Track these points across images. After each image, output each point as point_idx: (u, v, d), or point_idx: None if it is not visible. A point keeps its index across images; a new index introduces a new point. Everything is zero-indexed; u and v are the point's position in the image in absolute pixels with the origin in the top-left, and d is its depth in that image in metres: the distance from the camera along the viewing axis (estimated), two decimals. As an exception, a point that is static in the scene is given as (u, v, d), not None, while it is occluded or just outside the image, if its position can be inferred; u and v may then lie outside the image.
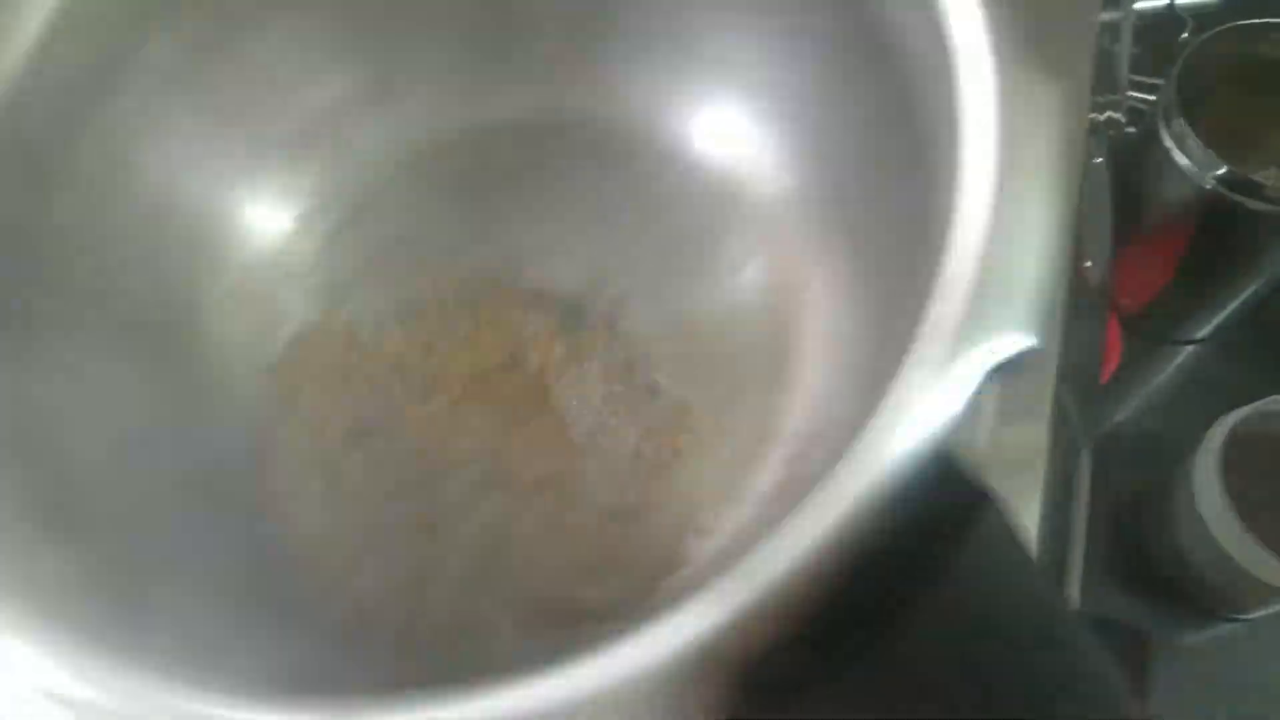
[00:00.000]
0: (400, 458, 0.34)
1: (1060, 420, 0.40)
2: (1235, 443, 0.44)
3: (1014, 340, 0.17)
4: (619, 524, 0.33)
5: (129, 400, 0.31)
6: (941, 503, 0.18)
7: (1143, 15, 0.60)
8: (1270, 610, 0.46)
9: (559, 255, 0.36)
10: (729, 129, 0.36)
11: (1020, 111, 0.18)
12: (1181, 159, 0.44)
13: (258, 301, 0.35)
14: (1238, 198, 0.43)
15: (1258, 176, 0.44)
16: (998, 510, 0.19)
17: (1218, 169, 0.43)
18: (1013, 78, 0.19)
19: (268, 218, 0.36)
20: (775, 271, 0.35)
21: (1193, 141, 0.43)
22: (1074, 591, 0.42)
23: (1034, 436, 0.37)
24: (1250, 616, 0.48)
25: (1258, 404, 0.43)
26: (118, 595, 0.25)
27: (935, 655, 0.18)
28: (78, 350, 0.30)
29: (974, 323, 0.17)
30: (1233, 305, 0.52)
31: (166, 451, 0.31)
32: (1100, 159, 0.47)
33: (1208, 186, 0.44)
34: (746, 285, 0.35)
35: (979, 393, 0.17)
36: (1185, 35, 0.58)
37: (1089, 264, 0.43)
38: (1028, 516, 0.35)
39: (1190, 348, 0.56)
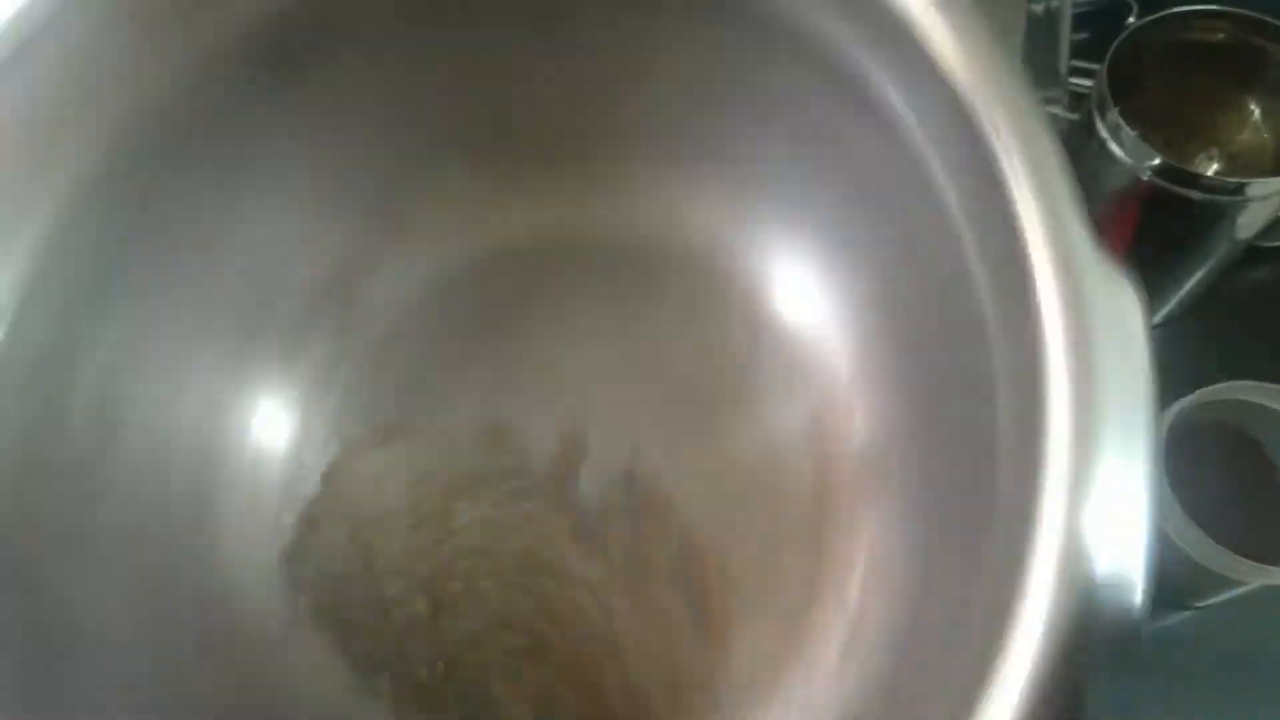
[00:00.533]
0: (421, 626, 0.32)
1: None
2: (1180, 432, 0.44)
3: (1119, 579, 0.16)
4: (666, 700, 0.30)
5: (145, 622, 0.29)
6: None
7: (1091, 0, 0.60)
8: (1222, 598, 0.46)
9: (589, 397, 0.33)
10: (777, 260, 0.32)
11: (1101, 339, 0.17)
12: (1117, 150, 0.44)
13: (271, 484, 0.33)
14: (1175, 188, 0.43)
15: (1194, 166, 0.44)
16: None
17: (1153, 160, 0.43)
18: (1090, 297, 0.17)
19: (273, 408, 0.34)
20: (825, 418, 0.32)
21: (1126, 133, 0.43)
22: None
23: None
24: (1203, 604, 0.48)
25: (1202, 392, 0.43)
26: None
27: None
28: (98, 582, 0.29)
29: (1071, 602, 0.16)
30: (1183, 291, 0.51)
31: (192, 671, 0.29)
32: (1039, 152, 0.47)
33: (1144, 178, 0.43)
34: (793, 428, 0.32)
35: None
36: (1131, 20, 0.57)
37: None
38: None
39: (1146, 333, 0.55)
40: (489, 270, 0.34)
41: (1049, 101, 0.48)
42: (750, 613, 0.31)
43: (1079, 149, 0.48)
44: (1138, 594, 0.16)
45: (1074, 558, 0.16)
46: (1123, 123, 0.43)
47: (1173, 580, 0.46)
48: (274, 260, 0.32)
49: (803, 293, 0.32)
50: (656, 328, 0.34)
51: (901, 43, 0.20)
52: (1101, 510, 0.17)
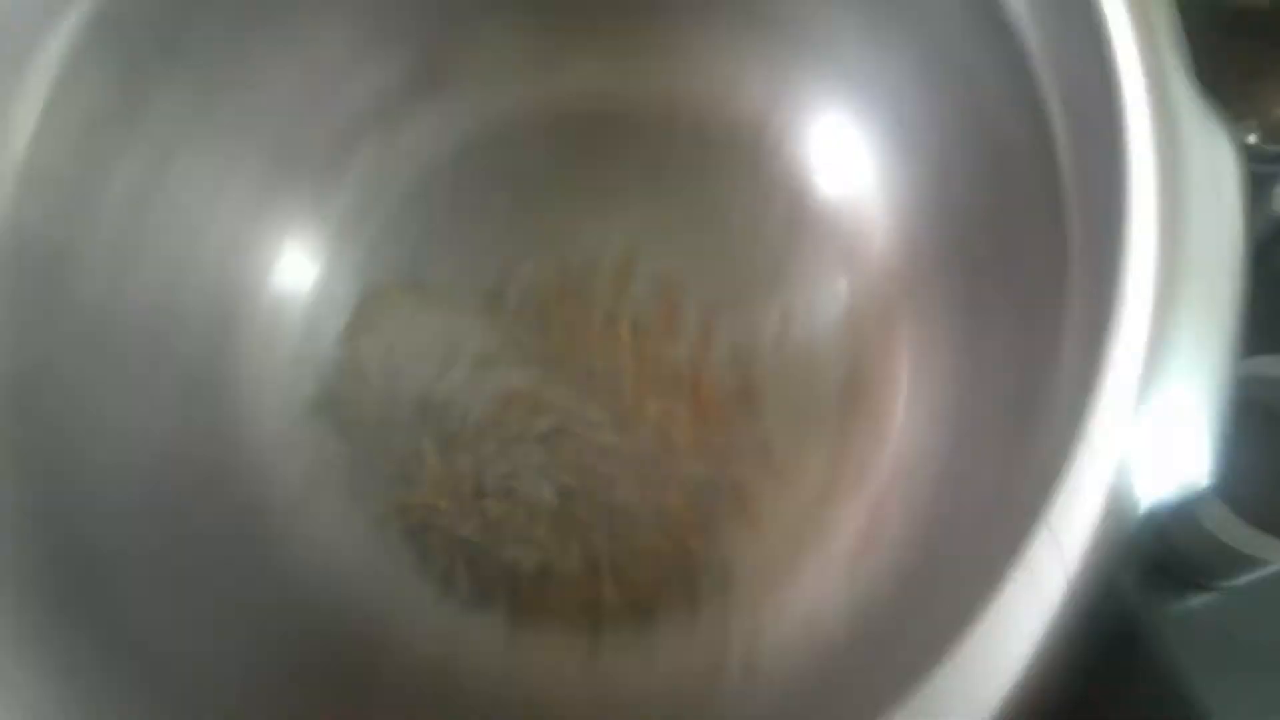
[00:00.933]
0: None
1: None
2: (1210, 408, 0.42)
3: (1182, 476, 0.14)
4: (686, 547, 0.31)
5: (160, 440, 0.29)
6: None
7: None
8: (1250, 578, 0.45)
9: (636, 259, 0.33)
10: (827, 132, 0.31)
11: (1192, 190, 0.15)
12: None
13: (293, 328, 0.33)
14: (1211, 155, 0.42)
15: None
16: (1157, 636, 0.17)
17: (1189, 126, 0.41)
18: (1182, 142, 0.15)
19: (299, 248, 0.33)
20: (864, 298, 0.31)
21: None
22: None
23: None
24: (1230, 584, 0.46)
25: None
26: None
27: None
28: (113, 398, 0.29)
29: (1138, 435, 0.14)
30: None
31: (198, 493, 0.30)
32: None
33: (1180, 144, 0.42)
34: (830, 308, 0.32)
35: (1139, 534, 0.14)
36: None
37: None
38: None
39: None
40: (531, 130, 0.34)
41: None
42: (776, 488, 0.30)
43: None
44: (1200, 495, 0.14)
45: (1124, 471, 0.15)
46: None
47: (1197, 560, 0.45)
48: (310, 95, 0.32)
49: (849, 164, 0.31)
50: (696, 203, 0.33)
51: None
52: (1165, 415, 0.14)
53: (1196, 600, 0.47)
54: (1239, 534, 0.40)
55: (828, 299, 0.31)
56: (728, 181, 0.33)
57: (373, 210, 0.33)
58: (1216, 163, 0.15)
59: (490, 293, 0.33)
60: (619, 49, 0.33)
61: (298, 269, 0.33)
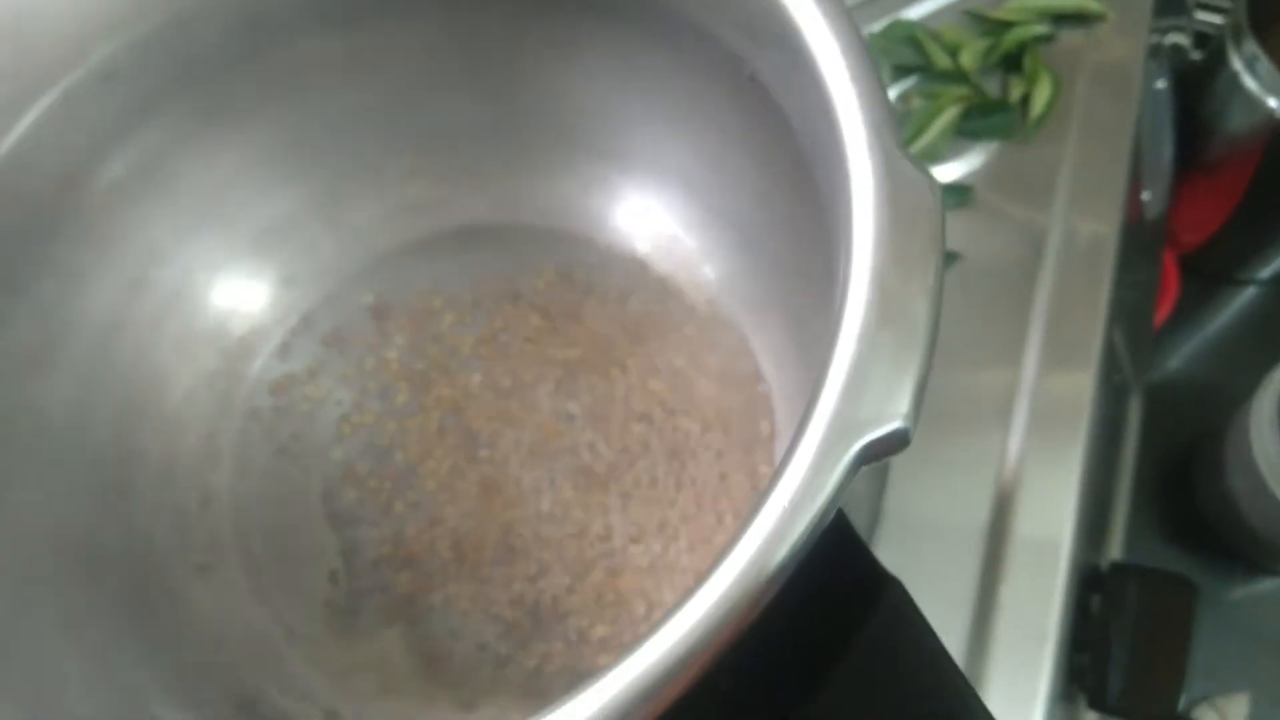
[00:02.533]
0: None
1: (1111, 363, 0.38)
2: (1295, 389, 0.41)
3: (883, 426, 0.18)
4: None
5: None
6: (846, 584, 0.21)
7: (1218, -71, 0.57)
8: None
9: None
10: (650, 217, 0.35)
11: (899, 210, 0.20)
12: (1251, 83, 0.41)
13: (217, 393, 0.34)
14: (1311, 126, 0.40)
15: (1334, 103, 0.41)
16: (899, 587, 0.21)
17: (1291, 94, 0.40)
18: (892, 179, 0.20)
19: (233, 306, 0.35)
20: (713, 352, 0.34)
21: (1264, 64, 0.40)
22: (1115, 543, 0.40)
23: (1081, 382, 0.35)
24: (1303, 570, 0.46)
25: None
26: None
27: None
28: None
29: (847, 415, 0.18)
30: (1301, 243, 0.49)
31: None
32: (1163, 83, 0.44)
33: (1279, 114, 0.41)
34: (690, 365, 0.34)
35: (848, 475, 0.18)
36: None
37: (1147, 194, 0.41)
38: (1069, 465, 0.34)
39: (1253, 288, 0.53)
40: (421, 252, 0.37)
41: (1172, 29, 0.45)
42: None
43: (1201, 86, 0.45)
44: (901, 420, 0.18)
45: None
46: (1261, 53, 0.40)
47: (1268, 541, 0.44)
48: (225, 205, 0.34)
49: (672, 235, 0.35)
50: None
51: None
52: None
53: (1264, 583, 0.47)
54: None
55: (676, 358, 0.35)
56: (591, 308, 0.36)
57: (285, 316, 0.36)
58: (920, 198, 0.20)
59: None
60: (493, 191, 0.36)
61: (228, 331, 0.35)
